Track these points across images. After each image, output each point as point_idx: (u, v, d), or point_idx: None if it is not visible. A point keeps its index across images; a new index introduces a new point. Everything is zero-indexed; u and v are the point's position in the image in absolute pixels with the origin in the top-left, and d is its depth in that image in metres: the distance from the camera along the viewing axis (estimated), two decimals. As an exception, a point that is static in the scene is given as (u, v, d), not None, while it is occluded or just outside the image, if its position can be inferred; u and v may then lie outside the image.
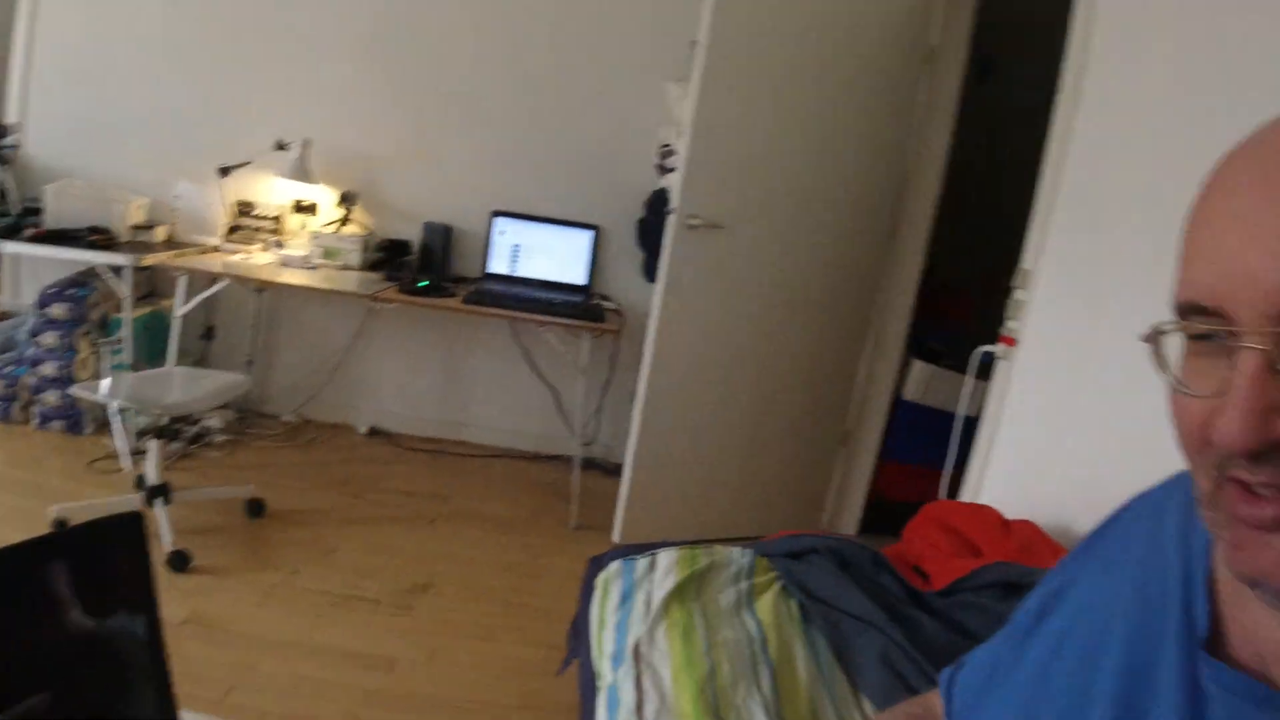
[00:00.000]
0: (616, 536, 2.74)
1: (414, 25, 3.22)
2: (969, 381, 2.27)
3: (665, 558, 1.57)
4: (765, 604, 1.48)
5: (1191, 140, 1.50)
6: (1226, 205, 0.44)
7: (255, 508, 2.54)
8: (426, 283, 2.83)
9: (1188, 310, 0.45)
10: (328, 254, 3.07)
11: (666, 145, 2.99)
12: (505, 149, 3.31)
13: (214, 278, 2.80)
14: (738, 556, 1.62)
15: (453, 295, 2.83)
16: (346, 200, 3.18)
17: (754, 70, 2.54)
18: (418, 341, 3.41)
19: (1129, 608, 0.60)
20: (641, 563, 1.57)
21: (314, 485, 2.83)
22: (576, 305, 2.89)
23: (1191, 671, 0.53)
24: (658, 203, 3.06)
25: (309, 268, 2.97)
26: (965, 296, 3.50)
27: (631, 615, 1.42)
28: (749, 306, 2.74)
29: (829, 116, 2.70)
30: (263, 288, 3.15)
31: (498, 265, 3.24)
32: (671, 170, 2.90)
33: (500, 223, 3.24)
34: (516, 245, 3.25)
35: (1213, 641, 0.53)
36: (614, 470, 3.31)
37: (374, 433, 3.39)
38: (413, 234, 3.26)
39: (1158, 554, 0.61)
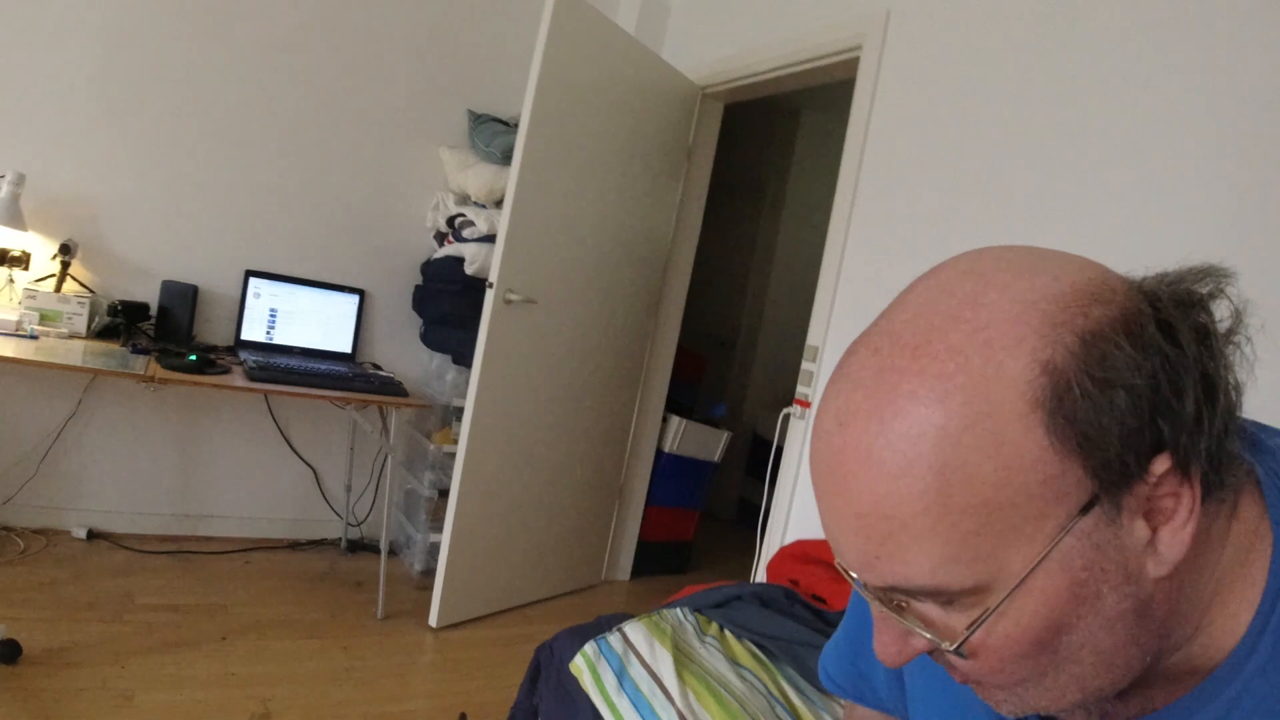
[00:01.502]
0: (433, 620, 2.64)
1: (159, 56, 2.76)
2: (779, 429, 2.62)
3: (634, 631, 1.66)
4: (735, 652, 1.65)
5: (954, 242, 2.00)
6: (819, 467, 0.50)
7: (8, 651, 2.01)
8: (195, 356, 2.48)
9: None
10: (46, 318, 2.53)
11: (459, 215, 2.99)
12: (261, 203, 2.99)
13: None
14: (683, 616, 1.77)
15: (228, 372, 2.52)
16: (66, 251, 2.63)
17: (561, 155, 2.69)
18: (145, 422, 2.90)
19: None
20: (614, 640, 1.64)
21: (58, 613, 2.28)
22: (368, 380, 2.74)
23: None
24: (441, 269, 3.04)
25: (25, 335, 2.43)
26: (698, 358, 3.95)
27: (646, 695, 1.49)
28: (553, 376, 2.85)
29: (616, 200, 2.95)
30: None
31: (252, 331, 2.93)
32: (469, 240, 2.91)
33: (255, 284, 2.94)
34: (273, 310, 2.97)
35: None
36: (379, 550, 3.18)
37: (94, 536, 2.80)
38: (149, 295, 2.81)
39: None
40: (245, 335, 2.92)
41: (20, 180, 2.51)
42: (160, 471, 2.95)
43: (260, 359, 2.67)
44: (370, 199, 3.18)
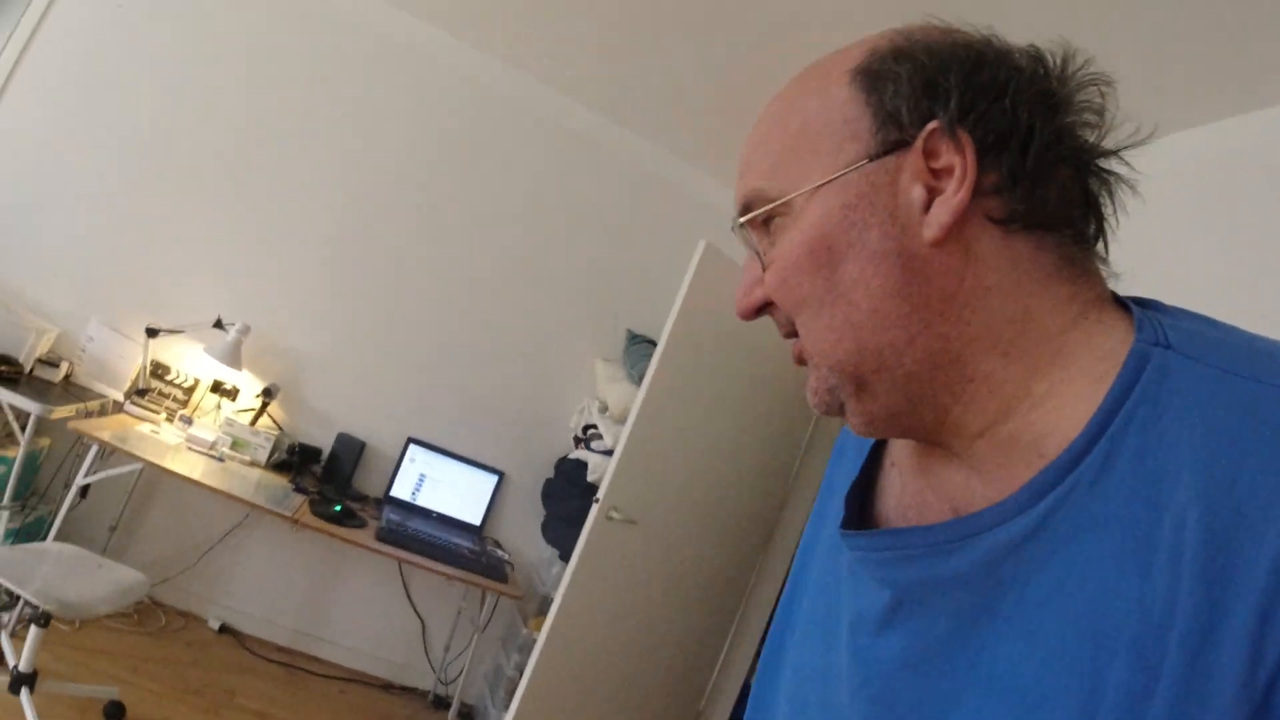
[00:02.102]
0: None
1: (373, 239, 3.41)
2: None
3: None
4: None
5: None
6: None
7: (114, 710, 2.40)
8: (340, 508, 2.90)
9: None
10: (236, 444, 3.08)
11: (592, 426, 3.32)
12: (432, 379, 3.50)
13: (126, 454, 2.73)
14: None
15: (364, 525, 2.91)
16: (268, 394, 3.23)
17: (690, 384, 2.96)
18: (290, 546, 3.36)
19: (820, 526, 0.75)
20: None
21: (169, 689, 2.69)
22: (479, 558, 3.03)
23: (843, 554, 0.64)
24: (571, 471, 3.34)
25: (215, 457, 2.96)
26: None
27: None
28: (641, 595, 3.01)
29: (736, 438, 3.15)
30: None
31: (401, 490, 3.36)
32: (594, 451, 3.21)
33: (414, 450, 3.39)
34: (423, 475, 3.40)
35: (875, 518, 0.65)
36: (464, 712, 3.37)
37: (224, 630, 3.25)
38: (325, 441, 3.34)
39: (840, 450, 0.77)
40: (395, 492, 3.35)
41: (246, 330, 3.13)
42: (293, 589, 3.38)
43: (397, 519, 3.07)
44: (526, 393, 3.60)
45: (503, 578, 2.98)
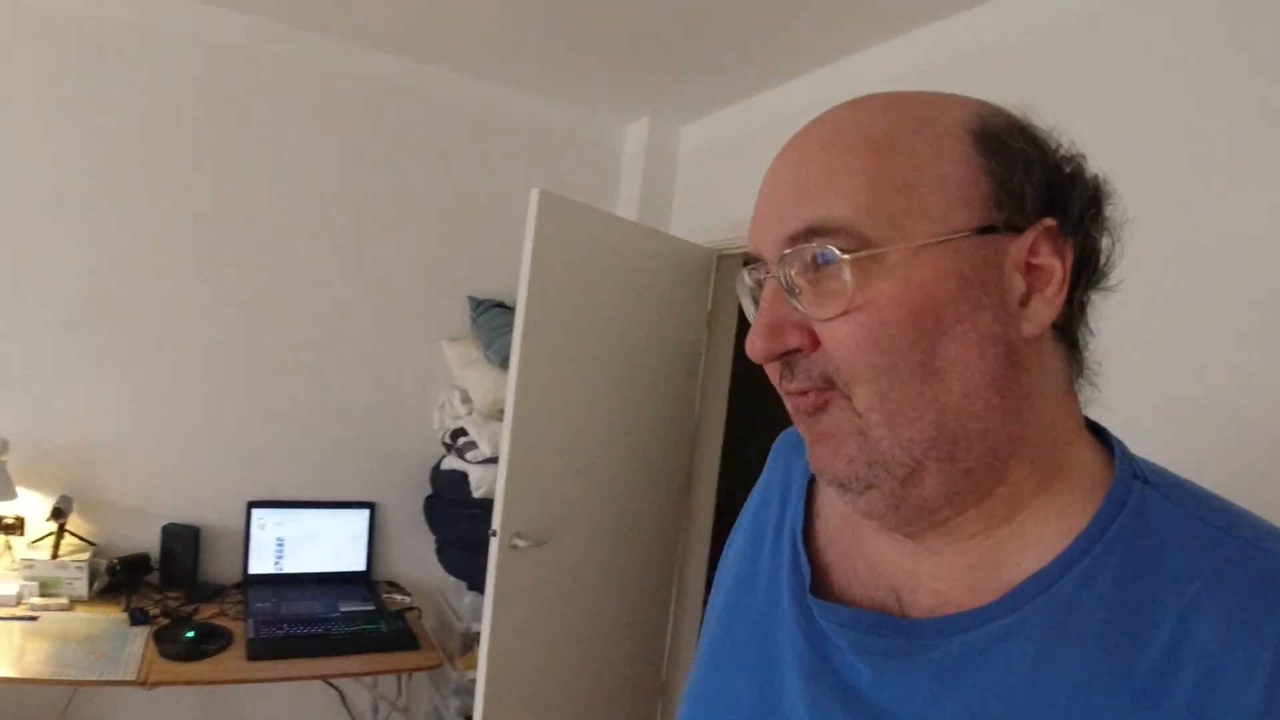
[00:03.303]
0: None
1: (137, 294, 2.67)
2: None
3: None
4: None
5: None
6: (765, 180, 0.56)
7: None
8: (194, 633, 2.36)
9: (749, 261, 0.58)
10: (45, 586, 2.44)
11: (462, 432, 2.85)
12: (257, 430, 2.87)
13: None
14: None
15: (229, 642, 2.38)
16: (59, 514, 2.53)
17: (563, 358, 2.51)
18: (157, 700, 2.77)
19: (758, 558, 0.71)
20: None
21: None
22: (377, 624, 2.59)
23: (807, 616, 0.61)
24: (449, 486, 2.89)
25: (27, 617, 2.34)
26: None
27: None
28: (575, 606, 2.66)
29: (629, 410, 2.76)
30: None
31: (260, 564, 2.81)
32: (471, 462, 2.76)
33: (259, 515, 2.82)
34: (280, 539, 2.85)
35: (823, 583, 0.63)
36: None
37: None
38: (150, 541, 2.71)
39: (780, 488, 0.73)
40: (253, 569, 2.80)
41: (4, 447, 2.44)
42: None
43: (267, 608, 2.58)
44: (372, 405, 3.03)
45: (413, 642, 2.56)
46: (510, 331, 2.80)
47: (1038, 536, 0.52)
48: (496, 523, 2.41)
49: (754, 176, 0.56)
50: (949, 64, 2.17)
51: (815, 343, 0.52)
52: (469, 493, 2.76)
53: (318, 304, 2.93)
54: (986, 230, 0.50)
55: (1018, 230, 0.51)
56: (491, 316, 2.99)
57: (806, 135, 0.55)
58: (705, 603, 0.80)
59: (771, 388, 0.57)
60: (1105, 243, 0.54)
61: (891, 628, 0.56)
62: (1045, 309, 0.51)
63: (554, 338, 2.47)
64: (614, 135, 3.39)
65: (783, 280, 0.52)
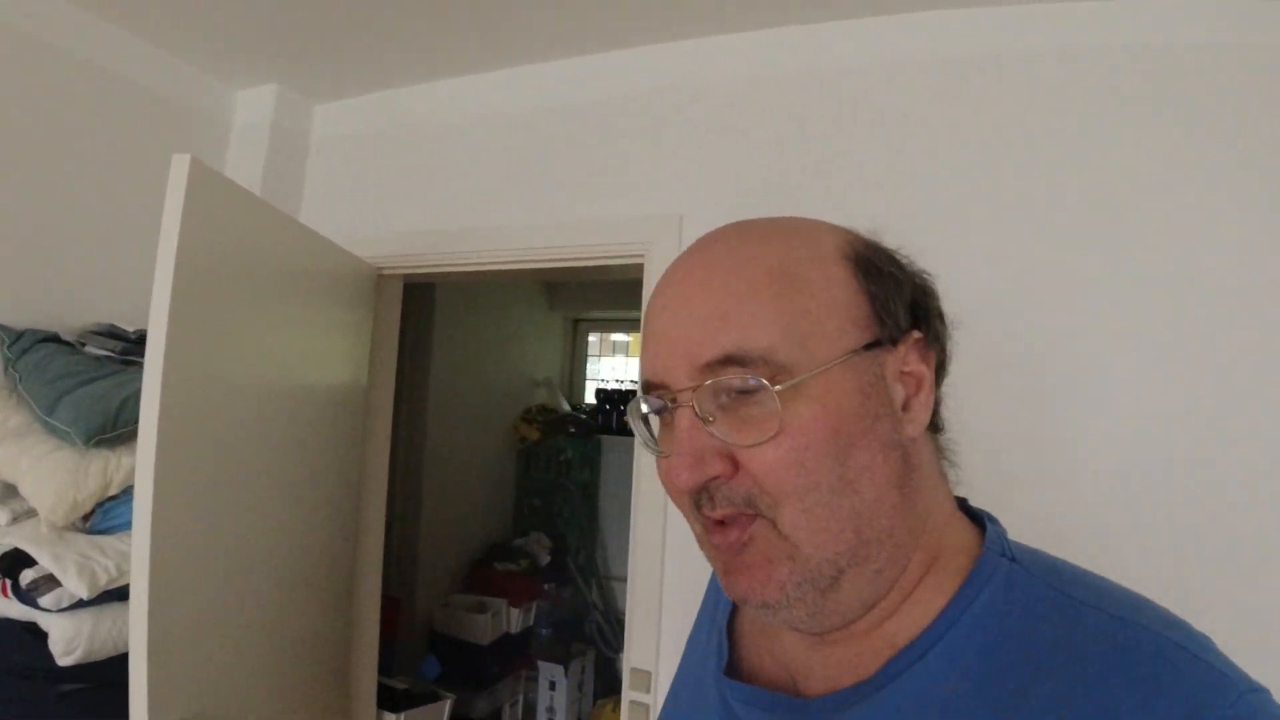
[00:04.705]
0: None
1: None
2: None
3: None
4: None
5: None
6: (661, 301, 0.57)
7: None
8: None
9: (647, 389, 0.57)
10: None
11: (27, 561, 1.82)
12: None
13: None
14: None
15: None
16: None
17: (214, 434, 1.75)
18: None
19: (701, 639, 0.77)
20: None
21: None
22: None
23: (723, 694, 0.65)
24: (14, 647, 1.86)
25: None
26: (389, 601, 3.14)
27: None
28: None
29: (291, 500, 2.05)
30: None
31: None
32: (49, 610, 1.81)
33: None
34: None
35: (739, 666, 0.68)
36: None
37: None
38: None
39: (714, 594, 0.78)
40: None
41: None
42: None
43: None
44: None
45: None
46: (93, 380, 1.91)
47: (912, 617, 0.55)
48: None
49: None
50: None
51: (735, 468, 0.53)
52: (50, 660, 1.79)
53: None
54: (872, 346, 0.54)
55: (894, 344, 0.55)
56: (43, 358, 1.97)
57: (703, 264, 0.56)
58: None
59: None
60: (949, 345, 0.60)
61: (785, 706, 0.59)
62: (922, 410, 0.55)
63: (203, 391, 1.67)
64: (222, 100, 2.52)
65: (696, 410, 0.53)
